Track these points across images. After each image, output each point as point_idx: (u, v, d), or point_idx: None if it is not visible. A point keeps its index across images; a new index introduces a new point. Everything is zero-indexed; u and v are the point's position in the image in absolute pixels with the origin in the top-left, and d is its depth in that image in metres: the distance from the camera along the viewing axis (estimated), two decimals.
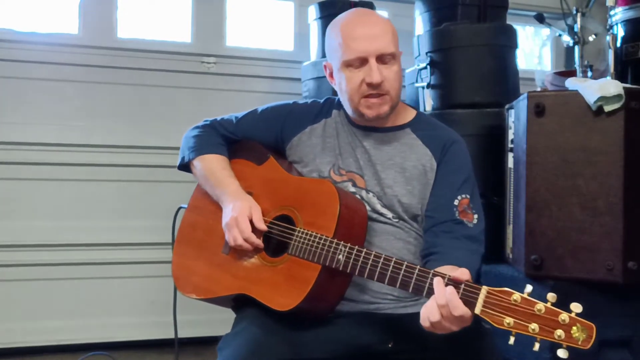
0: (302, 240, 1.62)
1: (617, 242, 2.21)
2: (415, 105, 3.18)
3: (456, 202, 1.66)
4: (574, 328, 1.23)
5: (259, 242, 1.68)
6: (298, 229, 1.65)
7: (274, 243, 1.71)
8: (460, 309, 1.33)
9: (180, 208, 2.07)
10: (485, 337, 1.57)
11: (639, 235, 2.23)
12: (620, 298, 2.29)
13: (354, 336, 1.63)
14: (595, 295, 2.23)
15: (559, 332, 1.23)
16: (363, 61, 1.66)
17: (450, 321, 1.34)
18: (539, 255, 2.30)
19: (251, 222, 1.69)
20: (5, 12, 3.32)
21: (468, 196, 1.67)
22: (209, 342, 3.32)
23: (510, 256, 2.58)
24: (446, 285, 1.36)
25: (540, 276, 2.28)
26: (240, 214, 1.68)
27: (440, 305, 1.34)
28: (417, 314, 1.41)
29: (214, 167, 1.85)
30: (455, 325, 1.35)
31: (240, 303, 1.72)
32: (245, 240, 1.67)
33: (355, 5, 3.20)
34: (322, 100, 1.88)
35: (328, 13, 3.24)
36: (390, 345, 1.62)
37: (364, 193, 1.72)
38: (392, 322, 1.65)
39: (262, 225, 1.69)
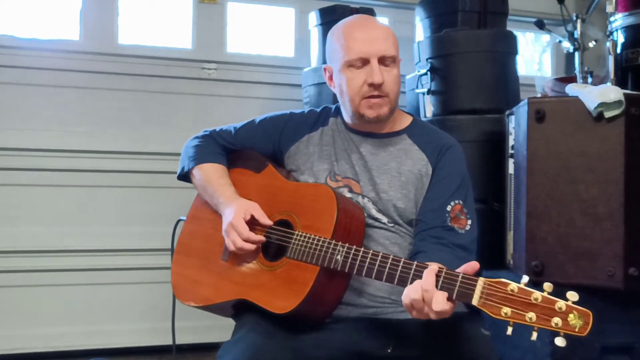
0: (300, 243, 1.62)
1: (617, 248, 2.22)
2: (415, 111, 3.19)
3: (449, 208, 1.66)
4: (571, 315, 1.23)
5: (260, 238, 1.68)
6: (296, 232, 1.65)
7: (273, 248, 1.71)
8: (447, 309, 1.33)
9: (179, 220, 2.07)
10: (484, 343, 1.57)
11: (639, 241, 2.23)
12: (621, 304, 2.29)
13: (353, 341, 1.63)
14: (596, 301, 2.22)
15: (556, 320, 1.23)
16: (364, 62, 1.67)
17: (430, 306, 1.34)
18: (539, 261, 2.30)
19: (255, 221, 1.70)
20: (6, 19, 3.33)
21: (461, 202, 1.67)
22: (209, 349, 3.31)
23: (511, 262, 2.58)
24: (439, 276, 1.36)
25: (540, 282, 2.27)
26: (235, 217, 1.69)
27: (424, 289, 1.34)
28: (416, 319, 1.41)
29: (211, 176, 1.86)
30: (433, 313, 1.34)
31: (240, 311, 1.72)
32: (246, 240, 1.67)
33: (357, 11, 3.21)
34: (319, 109, 1.89)
35: (329, 19, 3.25)
36: (389, 351, 1.62)
37: (359, 198, 1.73)
38: (391, 328, 1.64)
39: (266, 220, 1.69)
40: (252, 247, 1.68)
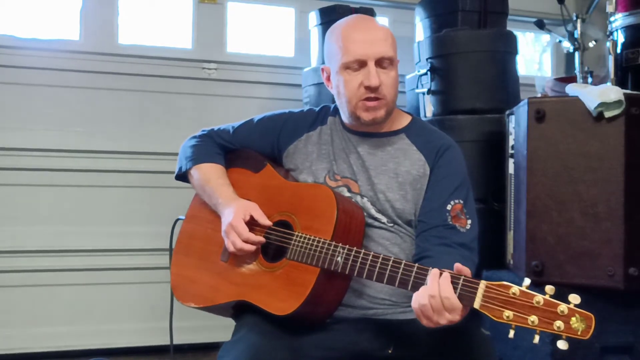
0: (300, 244, 1.62)
1: (617, 248, 2.22)
2: (415, 111, 3.19)
3: (449, 207, 1.65)
4: (573, 319, 1.23)
5: (260, 239, 1.68)
6: (296, 233, 1.65)
7: (273, 248, 1.71)
8: (453, 301, 1.33)
9: (177, 220, 2.07)
10: (485, 343, 1.57)
11: (639, 241, 2.23)
12: (622, 304, 2.29)
13: (353, 342, 1.63)
14: (596, 301, 2.22)
15: (558, 324, 1.23)
16: (362, 64, 1.66)
17: (439, 312, 1.34)
18: (539, 261, 2.30)
19: (254, 222, 1.70)
20: (6, 19, 3.33)
21: (461, 201, 1.67)
22: (208, 348, 3.32)
23: (511, 262, 2.58)
24: (441, 274, 1.36)
25: (541, 282, 2.27)
26: (234, 218, 1.69)
27: (431, 295, 1.35)
28: (416, 320, 1.41)
29: (210, 176, 1.85)
30: (443, 318, 1.35)
31: (240, 311, 1.72)
32: (245, 241, 1.67)
33: (357, 11, 3.21)
34: (317, 108, 1.89)
35: (329, 19, 3.24)
36: (390, 351, 1.62)
37: (358, 198, 1.72)
38: (391, 328, 1.64)
39: (265, 221, 1.69)
40: (251, 248, 1.68)
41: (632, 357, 2.31)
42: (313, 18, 3.42)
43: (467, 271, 1.38)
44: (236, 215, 1.69)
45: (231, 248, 1.70)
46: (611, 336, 2.26)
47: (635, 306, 2.31)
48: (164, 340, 2.81)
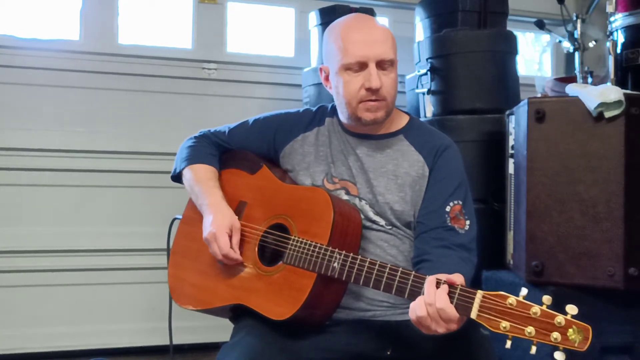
0: (297, 248, 1.61)
1: (617, 248, 2.21)
2: (415, 111, 3.19)
3: (448, 209, 1.65)
4: (570, 330, 1.23)
5: (237, 256, 1.68)
6: (293, 237, 1.64)
7: (269, 252, 1.70)
8: (449, 312, 1.32)
9: (174, 219, 2.06)
10: (484, 344, 1.56)
11: (639, 241, 2.23)
12: (622, 304, 2.29)
13: (351, 344, 1.63)
14: (596, 301, 2.22)
15: (555, 335, 1.23)
16: (362, 66, 1.65)
17: (437, 321, 1.34)
18: (539, 261, 2.30)
19: (246, 225, 1.70)
20: (6, 19, 3.33)
21: (460, 202, 1.66)
22: (208, 348, 3.32)
23: (511, 262, 2.58)
24: (438, 286, 1.35)
25: (541, 282, 2.28)
26: (218, 229, 1.68)
27: (428, 303, 1.34)
28: None
29: (200, 177, 1.85)
30: (441, 327, 1.34)
31: (238, 313, 1.72)
32: (224, 256, 1.68)
33: (357, 11, 3.21)
34: (314, 108, 1.87)
35: (329, 19, 3.23)
36: (388, 353, 1.62)
37: (357, 201, 1.71)
38: (389, 330, 1.64)
39: (237, 251, 1.69)
40: (229, 262, 1.69)
41: (632, 357, 2.31)
42: (313, 18, 3.42)
43: (460, 279, 1.37)
44: (220, 227, 1.69)
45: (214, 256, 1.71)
46: (611, 336, 2.26)
47: (635, 306, 2.31)
48: (164, 340, 2.81)
